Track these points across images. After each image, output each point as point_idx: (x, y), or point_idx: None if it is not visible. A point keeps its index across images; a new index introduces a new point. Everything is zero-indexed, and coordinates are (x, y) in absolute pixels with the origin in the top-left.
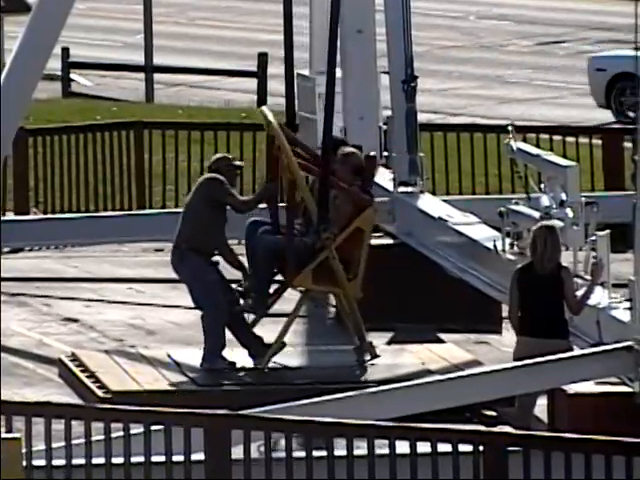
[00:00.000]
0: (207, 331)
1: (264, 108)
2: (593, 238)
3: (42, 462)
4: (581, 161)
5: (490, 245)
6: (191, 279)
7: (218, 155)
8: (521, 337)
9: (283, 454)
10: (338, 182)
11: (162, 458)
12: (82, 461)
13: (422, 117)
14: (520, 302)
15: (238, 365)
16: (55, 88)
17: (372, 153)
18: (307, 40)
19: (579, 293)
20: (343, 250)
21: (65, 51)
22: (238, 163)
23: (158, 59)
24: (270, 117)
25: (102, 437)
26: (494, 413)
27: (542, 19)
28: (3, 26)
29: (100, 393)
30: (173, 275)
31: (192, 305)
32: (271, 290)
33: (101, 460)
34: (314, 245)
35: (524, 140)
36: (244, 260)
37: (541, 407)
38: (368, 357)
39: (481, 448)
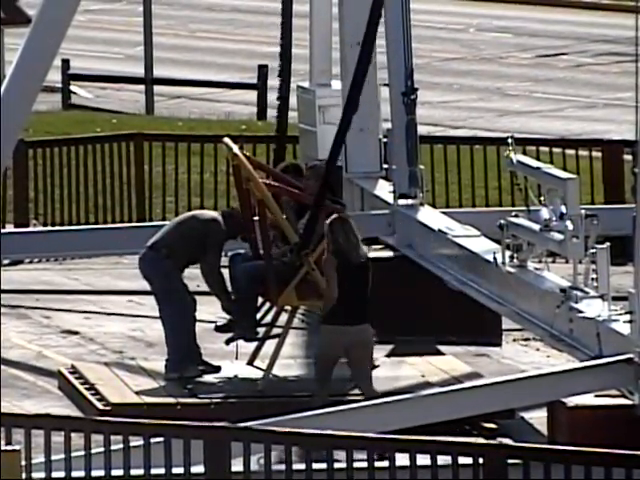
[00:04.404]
0: (171, 338)
1: (226, 139)
2: (593, 251)
3: (42, 474)
4: (581, 174)
5: (490, 258)
6: (160, 284)
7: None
8: (335, 326)
9: (283, 466)
10: (307, 196)
11: (162, 470)
12: (81, 473)
13: (422, 129)
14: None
15: (221, 373)
16: (55, 100)
17: (337, 163)
18: (307, 52)
19: None
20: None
21: (65, 63)
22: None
23: (158, 71)
24: (234, 148)
25: (102, 449)
26: (494, 425)
27: (542, 31)
28: (3, 38)
29: (100, 405)
30: None
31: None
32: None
33: (100, 472)
34: (293, 263)
35: (524, 152)
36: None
37: (541, 419)
38: None
39: (481, 460)
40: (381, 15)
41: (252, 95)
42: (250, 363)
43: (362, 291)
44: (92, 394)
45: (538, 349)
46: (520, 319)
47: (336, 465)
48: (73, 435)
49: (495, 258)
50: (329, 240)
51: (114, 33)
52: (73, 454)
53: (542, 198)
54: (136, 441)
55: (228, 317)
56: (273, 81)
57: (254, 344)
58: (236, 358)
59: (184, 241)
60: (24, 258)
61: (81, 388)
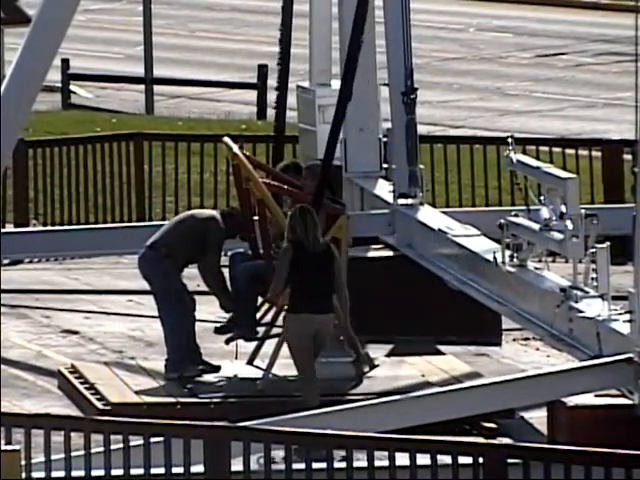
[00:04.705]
0: (171, 338)
1: (226, 139)
2: (593, 250)
3: (41, 474)
4: (581, 173)
5: (490, 257)
6: (159, 284)
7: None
8: (299, 314)
9: (282, 466)
10: (307, 196)
11: (162, 470)
12: (81, 473)
13: (422, 129)
14: (295, 280)
15: (220, 373)
16: (55, 100)
17: (337, 163)
18: (306, 52)
19: None
20: None
21: (65, 63)
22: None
23: (158, 71)
24: (234, 148)
25: (101, 449)
26: (494, 425)
27: (542, 31)
28: (3, 38)
29: (99, 405)
30: None
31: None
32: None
33: (100, 472)
34: None
35: (524, 152)
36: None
37: (541, 419)
38: (367, 369)
39: (481, 460)
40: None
41: (252, 95)
42: (250, 363)
43: (323, 281)
44: (92, 394)
45: (538, 349)
46: (520, 319)
47: (336, 464)
48: (73, 435)
49: (495, 258)
50: (288, 229)
51: (114, 33)
52: (73, 454)
53: (542, 198)
54: (136, 441)
55: (227, 317)
56: (273, 81)
57: (254, 344)
58: (236, 358)
59: (183, 240)
60: (24, 258)
61: (81, 388)
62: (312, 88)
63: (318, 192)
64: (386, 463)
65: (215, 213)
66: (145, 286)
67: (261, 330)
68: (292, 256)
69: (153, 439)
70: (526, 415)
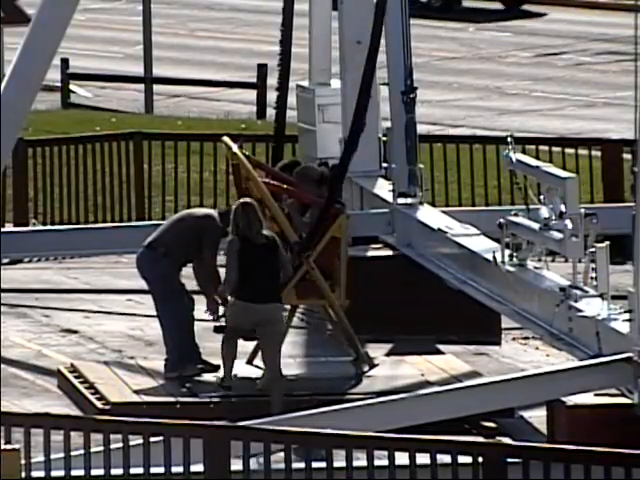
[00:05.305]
0: (170, 338)
1: (225, 138)
2: (592, 250)
3: (41, 473)
4: (580, 172)
5: (489, 256)
6: (158, 284)
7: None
8: (242, 302)
9: (282, 465)
10: (307, 195)
11: (161, 469)
12: (81, 472)
13: (421, 128)
14: (241, 271)
15: (220, 372)
16: (54, 99)
17: (336, 162)
18: (306, 51)
19: None
20: (322, 261)
21: (64, 62)
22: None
23: (158, 70)
24: (234, 147)
25: (101, 448)
26: (493, 424)
27: (541, 30)
28: (3, 37)
29: (99, 404)
30: None
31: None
32: None
33: (100, 471)
34: (293, 262)
35: (523, 151)
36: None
37: (540, 419)
38: (367, 368)
39: (480, 459)
40: (379, 44)
41: (251, 94)
42: (249, 362)
43: (267, 272)
44: (91, 393)
45: (537, 348)
46: (519, 318)
47: (336, 464)
48: (72, 434)
49: (494, 257)
50: (232, 225)
51: (113, 32)
52: (73, 453)
53: (541, 197)
54: (135, 440)
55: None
56: (273, 80)
57: (253, 343)
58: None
59: (181, 239)
60: (24, 257)
61: (80, 387)
62: (312, 87)
63: (328, 203)
64: (386, 463)
65: (213, 212)
66: (144, 285)
67: None
68: (239, 248)
69: (153, 438)
70: (526, 415)
